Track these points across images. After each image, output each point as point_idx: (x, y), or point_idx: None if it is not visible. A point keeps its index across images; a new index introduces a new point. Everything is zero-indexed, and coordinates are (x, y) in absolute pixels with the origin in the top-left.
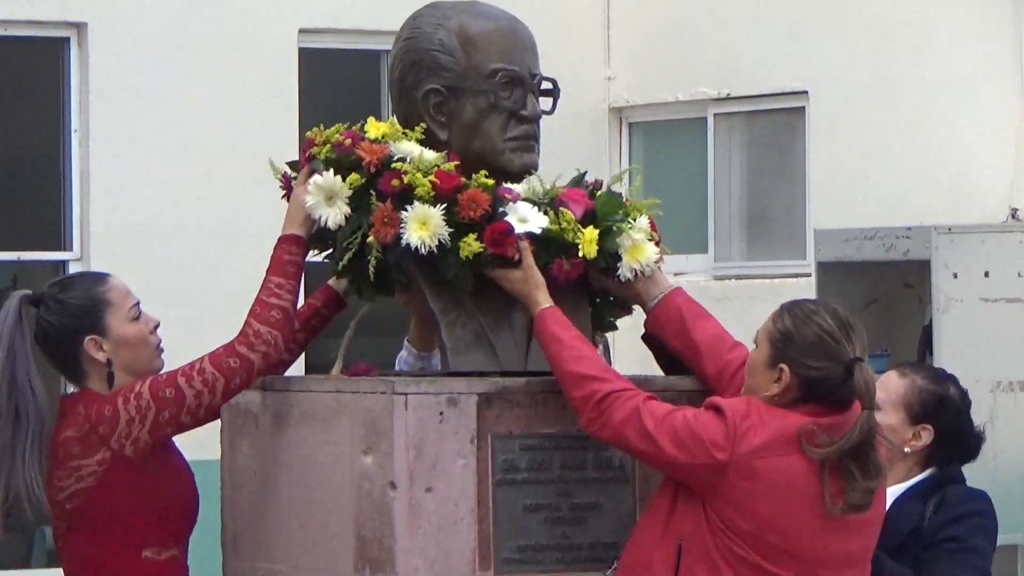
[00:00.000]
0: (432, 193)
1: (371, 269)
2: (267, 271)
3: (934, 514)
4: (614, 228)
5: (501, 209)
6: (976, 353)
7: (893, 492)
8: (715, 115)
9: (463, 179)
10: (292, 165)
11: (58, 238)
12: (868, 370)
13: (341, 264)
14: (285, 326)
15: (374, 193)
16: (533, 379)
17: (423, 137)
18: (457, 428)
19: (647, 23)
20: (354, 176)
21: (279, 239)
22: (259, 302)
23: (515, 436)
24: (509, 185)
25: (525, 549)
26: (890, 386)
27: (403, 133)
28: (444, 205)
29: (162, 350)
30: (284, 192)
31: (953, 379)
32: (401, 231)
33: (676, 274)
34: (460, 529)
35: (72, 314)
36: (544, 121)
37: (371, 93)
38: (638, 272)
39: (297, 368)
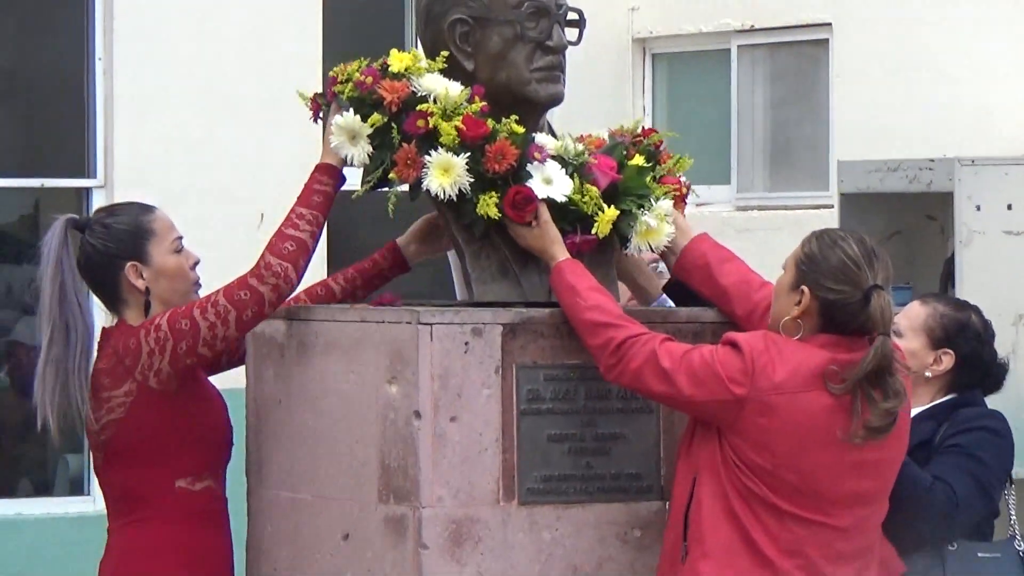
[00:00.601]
0: (457, 140)
1: (390, 207)
2: (297, 198)
3: (945, 427)
4: (633, 211)
5: (528, 167)
6: (998, 285)
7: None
8: (739, 47)
9: (492, 124)
10: (319, 96)
11: (82, 165)
12: (886, 298)
13: (356, 193)
14: (298, 257)
15: (397, 131)
16: (557, 310)
17: (446, 66)
18: (482, 358)
19: None
20: (376, 117)
21: (315, 166)
22: (277, 233)
23: (539, 366)
24: (541, 141)
25: (549, 479)
26: (911, 313)
27: (425, 65)
28: (468, 153)
29: (199, 286)
30: (313, 115)
31: (975, 308)
32: (423, 174)
33: (699, 205)
34: (484, 459)
35: (117, 239)
36: (568, 52)
37: (395, 24)
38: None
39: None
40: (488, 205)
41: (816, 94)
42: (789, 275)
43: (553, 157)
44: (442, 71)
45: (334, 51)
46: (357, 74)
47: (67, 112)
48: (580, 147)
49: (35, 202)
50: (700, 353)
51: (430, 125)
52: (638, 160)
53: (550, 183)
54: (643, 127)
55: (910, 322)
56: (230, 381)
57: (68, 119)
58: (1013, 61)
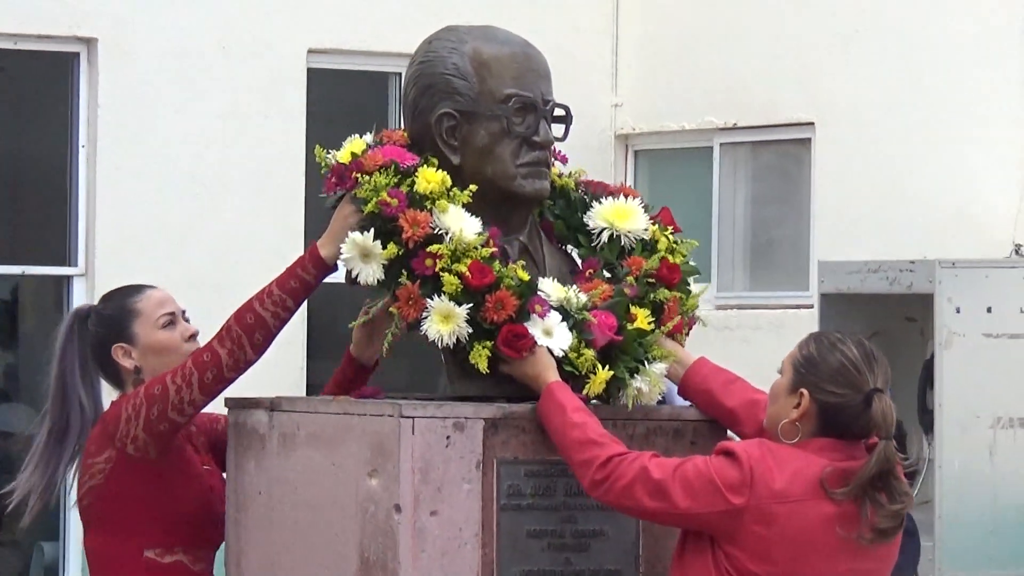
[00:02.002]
0: (460, 289)
1: (386, 344)
2: (278, 276)
3: None
4: (626, 378)
5: (528, 321)
6: (977, 388)
7: None
8: (721, 144)
9: (497, 269)
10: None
11: (63, 253)
12: (887, 401)
13: (353, 324)
14: (254, 331)
15: (404, 270)
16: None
17: (470, 200)
18: (463, 453)
19: (655, 51)
20: (392, 249)
21: (308, 248)
22: (247, 301)
23: (520, 462)
24: (545, 290)
25: (528, 574)
26: None
27: (449, 192)
28: (470, 304)
29: None
30: (327, 190)
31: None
32: (423, 316)
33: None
34: (464, 553)
35: (105, 324)
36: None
37: (379, 114)
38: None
39: (298, 389)
40: (480, 357)
41: (798, 193)
42: (787, 377)
43: (555, 308)
44: (431, 164)
45: (317, 137)
46: (385, 193)
47: (49, 199)
48: (584, 299)
49: (15, 288)
50: (694, 464)
51: (437, 269)
52: (641, 320)
53: (550, 335)
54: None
55: None
56: None
57: (50, 206)
58: (995, 164)
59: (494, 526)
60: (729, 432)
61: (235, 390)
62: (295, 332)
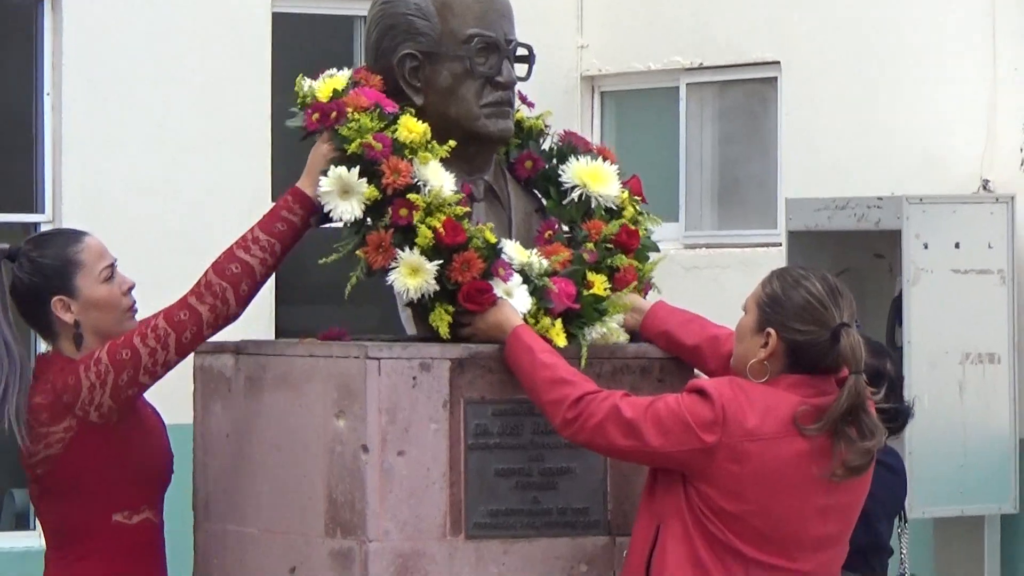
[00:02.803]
0: (431, 244)
1: (349, 287)
2: (260, 220)
3: None
4: (582, 333)
5: (491, 281)
6: (945, 324)
7: None
8: (687, 84)
9: (467, 228)
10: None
11: (30, 201)
12: (855, 335)
13: (323, 260)
14: (240, 281)
15: (378, 216)
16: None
17: (448, 155)
18: (430, 393)
19: None
20: (371, 191)
21: (289, 189)
22: (226, 251)
23: (487, 401)
24: (509, 253)
25: (496, 514)
26: None
27: (429, 144)
28: (440, 261)
29: (136, 311)
30: (306, 129)
31: (889, 354)
32: (391, 266)
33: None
34: (431, 493)
35: (43, 274)
36: (518, 88)
37: (344, 59)
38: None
39: (268, 335)
40: (442, 320)
41: (764, 132)
42: (752, 317)
43: (517, 271)
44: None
45: (284, 81)
46: (370, 136)
47: (15, 147)
48: (546, 264)
49: None
50: (665, 403)
51: (413, 220)
52: (598, 286)
53: (510, 296)
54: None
55: None
56: (178, 416)
57: (16, 154)
58: (961, 99)
59: (461, 465)
60: (695, 371)
61: None
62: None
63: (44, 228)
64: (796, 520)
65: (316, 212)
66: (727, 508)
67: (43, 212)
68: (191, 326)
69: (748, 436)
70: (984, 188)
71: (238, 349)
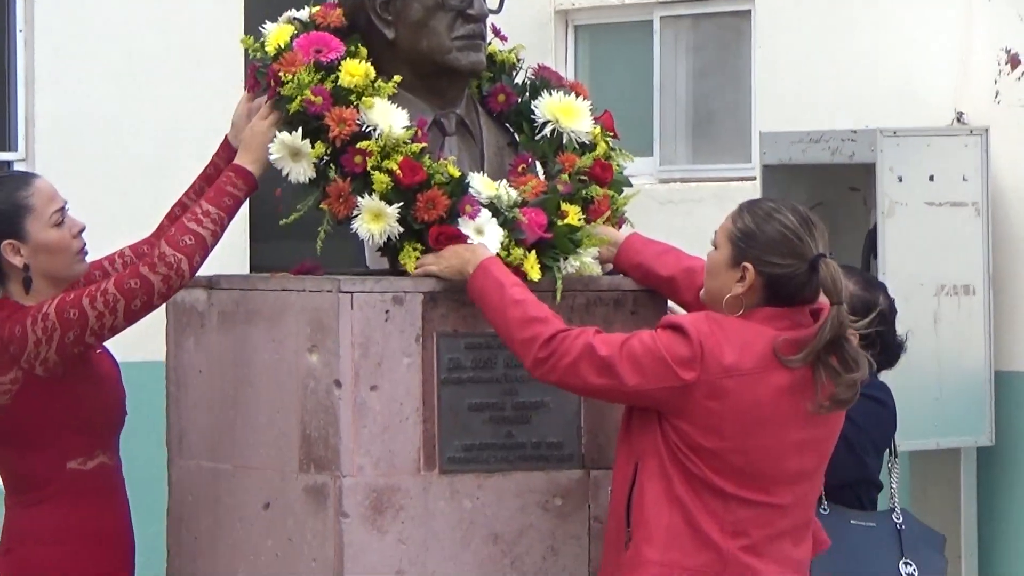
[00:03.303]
0: (390, 187)
1: (319, 242)
2: (205, 195)
3: None
4: (557, 265)
5: (460, 219)
6: (920, 257)
7: None
8: (661, 18)
9: (428, 165)
10: (259, 72)
11: (3, 139)
12: (834, 265)
13: (285, 221)
14: (195, 253)
15: (335, 168)
16: None
17: (395, 91)
18: (403, 327)
19: None
20: (320, 148)
21: (230, 166)
22: (179, 224)
23: (460, 335)
24: (476, 186)
25: (470, 448)
26: None
27: (374, 84)
28: (401, 204)
29: (86, 254)
30: (249, 88)
31: (883, 287)
32: (354, 214)
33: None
34: (405, 428)
35: None
36: (491, 22)
37: None
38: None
39: (243, 269)
40: (410, 258)
41: (738, 65)
42: (725, 251)
43: (486, 206)
44: (363, 41)
45: (256, 21)
46: (308, 91)
47: None
48: (515, 196)
49: None
50: (640, 340)
51: (367, 167)
52: (572, 216)
53: (481, 234)
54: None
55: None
56: (151, 352)
57: None
58: (936, 32)
59: (435, 400)
60: (670, 303)
61: None
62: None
63: (17, 167)
64: (774, 455)
65: (256, 188)
66: (705, 444)
67: (16, 150)
68: (141, 295)
69: (726, 372)
70: (958, 121)
71: (211, 284)
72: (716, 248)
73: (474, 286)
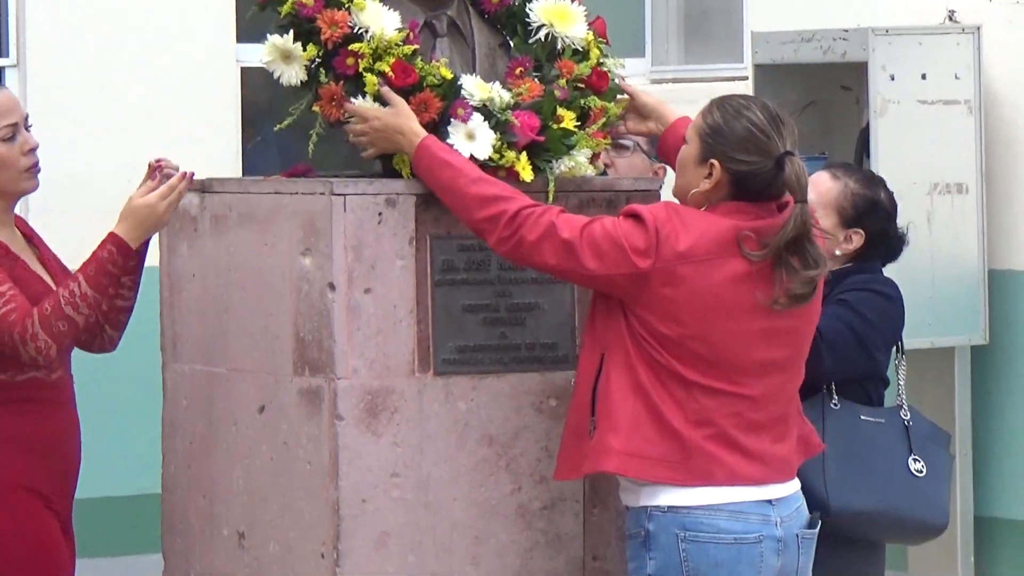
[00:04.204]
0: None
1: (311, 144)
2: (85, 266)
3: (836, 289)
4: (549, 166)
5: (450, 124)
6: (913, 155)
7: None
8: None
9: (420, 66)
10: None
11: None
12: (799, 163)
13: (279, 127)
14: (64, 339)
15: (326, 72)
16: None
17: None
18: (396, 229)
19: None
20: (312, 50)
21: (111, 237)
22: (55, 305)
23: (453, 236)
24: (469, 88)
25: (464, 350)
26: (822, 188)
27: None
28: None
29: (37, 171)
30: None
31: (882, 182)
32: (346, 118)
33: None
34: (399, 330)
35: None
36: None
37: None
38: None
39: (235, 172)
40: (404, 163)
41: None
42: (694, 147)
43: (478, 109)
44: None
45: None
46: None
47: None
48: (508, 98)
49: None
50: (601, 225)
51: (360, 68)
52: (567, 121)
53: (472, 139)
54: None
55: (820, 198)
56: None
57: None
58: None
59: (429, 302)
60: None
61: None
62: (227, 116)
63: (9, 72)
64: (737, 343)
65: (139, 258)
66: (665, 332)
67: (7, 56)
68: (70, 335)
69: (680, 259)
70: (950, 19)
71: (203, 188)
72: (687, 143)
73: (417, 164)
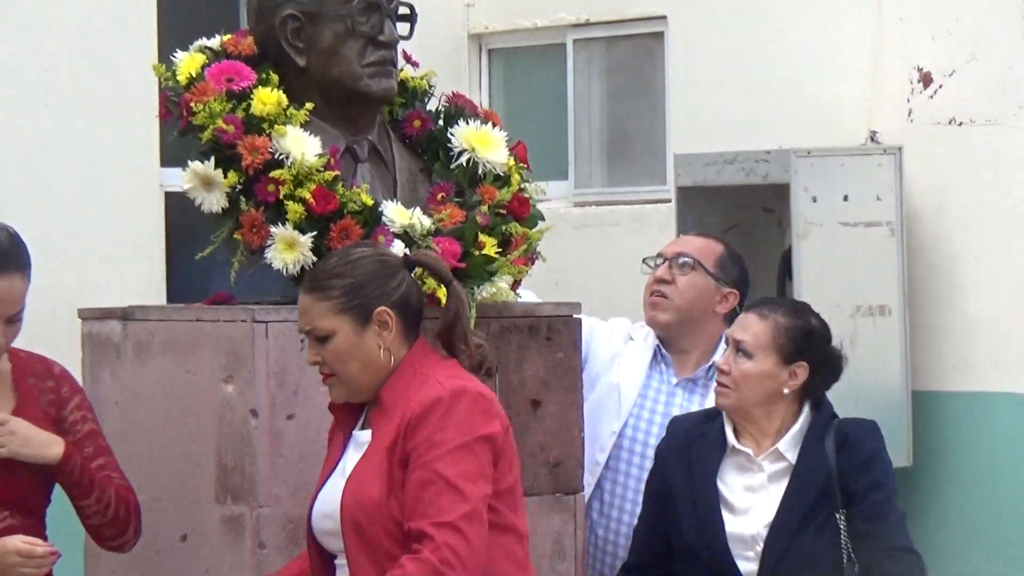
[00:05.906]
0: (304, 216)
1: (233, 271)
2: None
3: (840, 454)
4: (473, 292)
5: None
6: (835, 277)
7: (790, 441)
8: (574, 41)
9: (341, 193)
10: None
11: None
12: (422, 253)
13: (200, 255)
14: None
15: (246, 200)
16: None
17: (308, 119)
18: None
19: None
20: (233, 177)
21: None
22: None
23: None
24: (390, 219)
25: None
26: (754, 331)
27: (287, 112)
28: (315, 232)
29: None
30: (161, 117)
31: (808, 308)
32: (267, 244)
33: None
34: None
35: None
36: (404, 47)
37: (229, 9)
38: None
39: (158, 298)
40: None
41: (652, 87)
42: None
43: (399, 236)
44: (274, 68)
45: (169, 42)
46: (220, 120)
47: None
48: (428, 223)
49: None
50: (460, 475)
51: (280, 195)
52: (489, 247)
53: None
54: (515, 195)
55: (755, 340)
56: None
57: None
58: (849, 52)
59: None
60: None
61: (91, 299)
62: (151, 241)
63: None
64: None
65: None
66: (508, 482)
67: None
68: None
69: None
70: (872, 140)
71: (125, 315)
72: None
73: None
